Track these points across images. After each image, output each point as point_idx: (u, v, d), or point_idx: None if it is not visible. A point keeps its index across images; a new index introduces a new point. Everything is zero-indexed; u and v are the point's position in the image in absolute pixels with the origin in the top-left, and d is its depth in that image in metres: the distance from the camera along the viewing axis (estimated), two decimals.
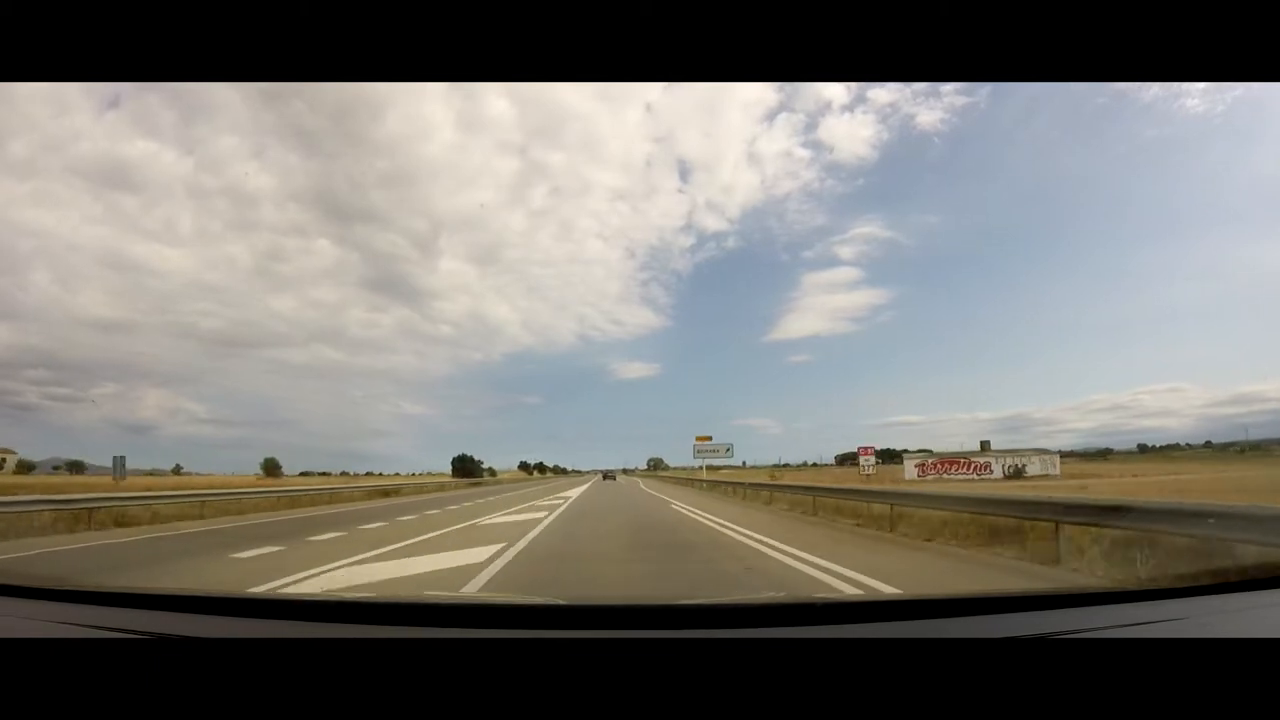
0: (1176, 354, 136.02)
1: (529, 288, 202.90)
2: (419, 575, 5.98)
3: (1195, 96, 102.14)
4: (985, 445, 48.09)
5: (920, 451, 46.72)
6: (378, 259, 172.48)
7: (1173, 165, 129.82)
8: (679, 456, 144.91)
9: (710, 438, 43.56)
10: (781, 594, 4.04)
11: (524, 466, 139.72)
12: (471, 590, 5.05)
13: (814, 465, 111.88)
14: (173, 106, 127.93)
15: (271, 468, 71.25)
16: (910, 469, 43.47)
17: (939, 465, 44.05)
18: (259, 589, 5.15)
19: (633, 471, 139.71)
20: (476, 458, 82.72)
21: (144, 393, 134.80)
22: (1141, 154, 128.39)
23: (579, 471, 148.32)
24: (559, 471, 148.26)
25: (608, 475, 73.44)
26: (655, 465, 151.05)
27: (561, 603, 1.61)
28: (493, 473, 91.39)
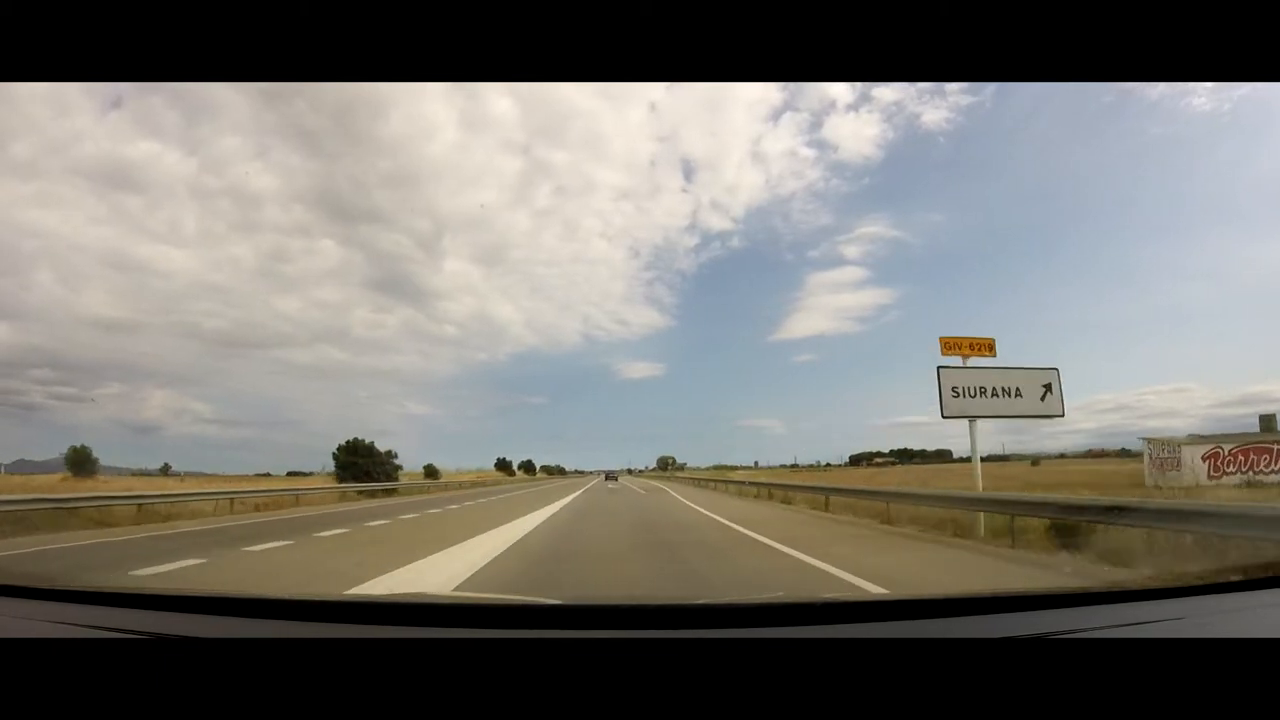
0: (1182, 353, 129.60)
1: (533, 288, 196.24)
2: None
3: (1202, 94, 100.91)
4: (1269, 421, 27.95)
5: (1211, 437, 26.24)
6: (382, 259, 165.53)
7: (1179, 164, 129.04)
8: (687, 456, 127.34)
9: (991, 345, 9.80)
10: (780, 594, 3.72)
11: (503, 465, 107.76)
12: None
13: (827, 466, 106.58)
14: (175, 107, 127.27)
15: (79, 461, 39.65)
16: (1196, 463, 23.62)
17: (1240, 456, 24.18)
18: None
19: (640, 472, 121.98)
20: (384, 448, 38.42)
21: (149, 393, 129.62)
22: (1147, 152, 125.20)
23: (581, 472, 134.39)
24: (555, 472, 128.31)
25: (610, 476, 67.30)
26: (666, 465, 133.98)
27: (561, 603, 1.60)
28: (434, 473, 53.71)
